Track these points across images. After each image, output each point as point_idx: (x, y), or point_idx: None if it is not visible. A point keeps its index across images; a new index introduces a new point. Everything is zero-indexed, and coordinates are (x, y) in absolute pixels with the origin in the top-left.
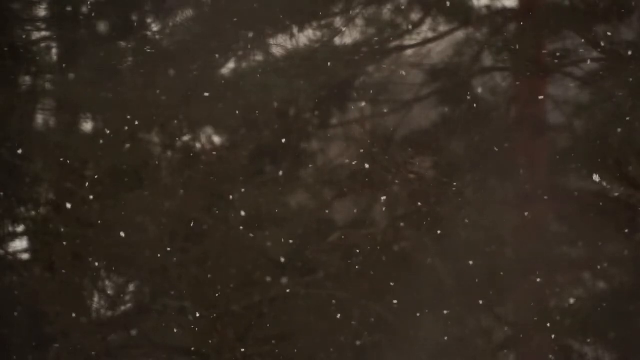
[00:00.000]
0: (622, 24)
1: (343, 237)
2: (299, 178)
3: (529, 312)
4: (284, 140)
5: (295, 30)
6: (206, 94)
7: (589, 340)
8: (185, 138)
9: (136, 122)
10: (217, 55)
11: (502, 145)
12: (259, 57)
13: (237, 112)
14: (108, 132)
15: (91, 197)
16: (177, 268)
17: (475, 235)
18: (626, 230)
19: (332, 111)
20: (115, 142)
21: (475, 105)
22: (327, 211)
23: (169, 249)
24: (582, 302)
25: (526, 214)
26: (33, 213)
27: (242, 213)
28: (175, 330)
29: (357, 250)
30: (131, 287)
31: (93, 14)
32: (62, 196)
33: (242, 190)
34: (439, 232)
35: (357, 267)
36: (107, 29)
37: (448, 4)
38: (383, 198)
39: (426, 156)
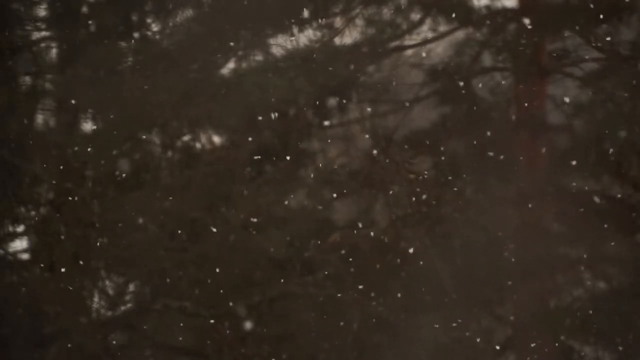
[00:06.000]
0: (622, 24)
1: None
2: (299, 178)
3: (529, 312)
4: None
5: (295, 30)
6: (206, 94)
7: (589, 340)
8: (185, 138)
9: (136, 122)
10: (217, 55)
11: (502, 145)
12: (259, 57)
13: (237, 112)
14: (108, 132)
15: (91, 197)
16: (177, 268)
17: (475, 235)
18: (626, 230)
19: (332, 111)
20: (115, 142)
21: (475, 105)
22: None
23: (169, 249)
24: (582, 302)
25: (526, 214)
26: (33, 213)
27: (242, 213)
28: (175, 330)
29: (357, 250)
30: (131, 287)
31: (93, 14)
32: (62, 196)
33: (242, 190)
34: (439, 232)
35: (357, 267)
36: (107, 29)
37: (448, 4)
38: (383, 198)
39: (426, 156)
